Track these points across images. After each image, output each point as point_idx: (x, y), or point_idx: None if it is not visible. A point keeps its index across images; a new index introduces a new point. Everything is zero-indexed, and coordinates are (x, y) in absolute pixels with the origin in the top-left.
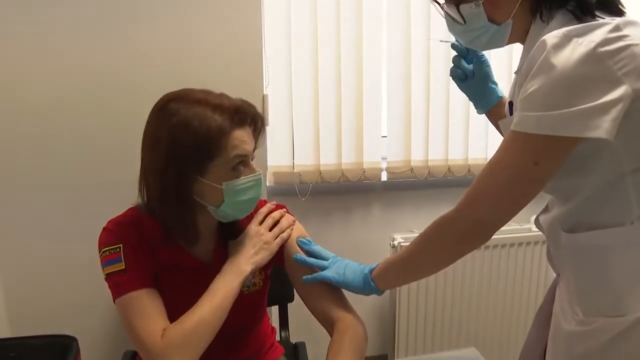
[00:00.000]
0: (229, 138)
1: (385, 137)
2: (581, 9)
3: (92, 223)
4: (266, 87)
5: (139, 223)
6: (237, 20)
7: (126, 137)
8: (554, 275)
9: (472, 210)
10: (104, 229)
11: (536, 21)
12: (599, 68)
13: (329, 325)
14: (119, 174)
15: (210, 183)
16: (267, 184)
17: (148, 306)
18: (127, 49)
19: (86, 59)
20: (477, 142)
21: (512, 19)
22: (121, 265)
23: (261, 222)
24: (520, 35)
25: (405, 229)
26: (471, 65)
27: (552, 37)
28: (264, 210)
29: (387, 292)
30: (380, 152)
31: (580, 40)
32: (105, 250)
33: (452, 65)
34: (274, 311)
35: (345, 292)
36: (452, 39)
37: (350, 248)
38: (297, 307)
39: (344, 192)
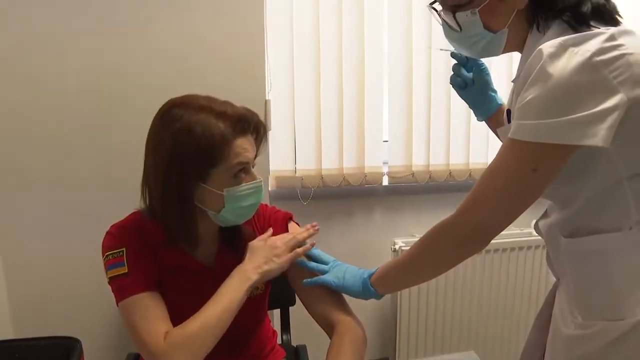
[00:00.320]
0: (232, 146)
1: (387, 141)
2: (576, 19)
3: (95, 224)
4: (268, 93)
5: (142, 227)
6: (241, 27)
7: (127, 137)
8: (554, 279)
9: (472, 215)
10: (107, 233)
11: (533, 31)
12: (595, 77)
13: (329, 328)
14: (122, 174)
15: (211, 189)
16: (269, 188)
17: (151, 309)
18: (130, 52)
19: (88, 60)
20: (478, 146)
21: (508, 27)
22: (124, 269)
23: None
24: (517, 44)
25: (406, 234)
26: (471, 74)
27: (548, 46)
28: (295, 227)
29: (389, 296)
30: (382, 156)
31: (576, 49)
32: (109, 254)
33: (452, 72)
34: (275, 314)
35: (346, 296)
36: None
37: (352, 252)
38: (298, 311)
39: (345, 197)
